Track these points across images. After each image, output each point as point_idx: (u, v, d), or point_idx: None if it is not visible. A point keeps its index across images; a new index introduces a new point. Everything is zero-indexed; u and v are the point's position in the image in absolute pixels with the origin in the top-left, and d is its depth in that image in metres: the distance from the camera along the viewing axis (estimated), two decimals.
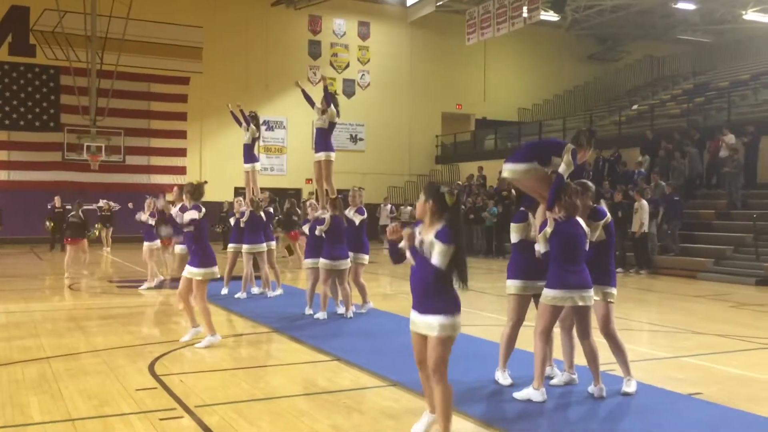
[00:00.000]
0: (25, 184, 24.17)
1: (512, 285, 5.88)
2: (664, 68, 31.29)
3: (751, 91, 22.01)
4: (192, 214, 7.72)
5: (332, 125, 10.16)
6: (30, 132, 24.60)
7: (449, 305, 4.33)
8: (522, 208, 6.01)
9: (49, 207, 20.48)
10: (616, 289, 5.85)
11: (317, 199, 10.39)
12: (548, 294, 5.46)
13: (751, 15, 26.03)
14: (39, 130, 24.70)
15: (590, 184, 5.89)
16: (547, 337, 5.55)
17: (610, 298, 5.76)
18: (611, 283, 5.78)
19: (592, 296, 5.53)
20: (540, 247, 5.52)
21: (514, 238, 5.93)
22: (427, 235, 4.35)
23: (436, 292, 4.33)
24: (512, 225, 5.93)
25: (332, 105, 10.04)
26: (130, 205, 18.95)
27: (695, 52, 31.45)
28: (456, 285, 4.38)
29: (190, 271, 7.75)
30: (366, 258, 9.86)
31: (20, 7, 24.43)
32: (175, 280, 11.10)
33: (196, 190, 7.91)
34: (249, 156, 12.29)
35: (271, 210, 12.62)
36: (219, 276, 8.39)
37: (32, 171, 24.45)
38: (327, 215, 9.41)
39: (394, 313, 9.81)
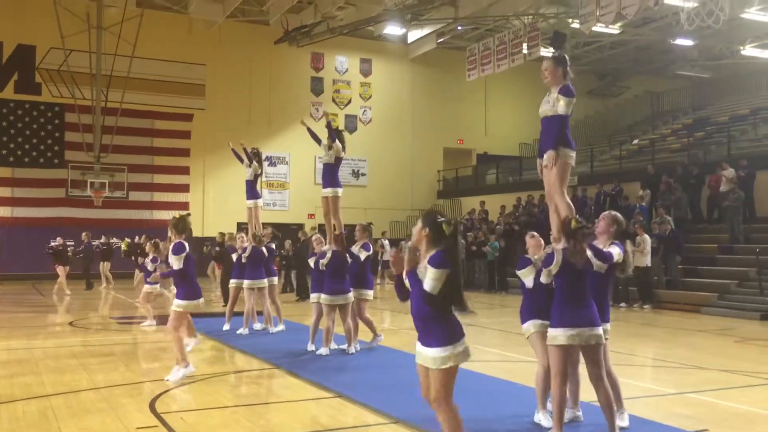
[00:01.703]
0: (29, 220, 24.24)
1: (531, 325, 5.75)
2: (664, 103, 31.53)
3: (751, 125, 22.15)
4: (174, 262, 7.76)
5: (338, 160, 10.21)
6: (34, 168, 24.77)
7: (446, 335, 4.23)
8: (526, 256, 5.88)
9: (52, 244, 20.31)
10: (609, 324, 5.65)
11: (323, 234, 10.41)
12: (553, 334, 5.21)
13: (749, 50, 26.30)
14: (43, 167, 24.87)
15: (620, 217, 5.72)
16: (562, 381, 5.21)
17: (605, 334, 5.51)
18: (606, 318, 5.56)
19: (602, 335, 5.25)
20: (544, 279, 5.41)
21: (527, 283, 5.78)
22: (422, 263, 4.32)
23: (434, 321, 4.24)
24: (519, 272, 5.80)
25: (337, 140, 10.11)
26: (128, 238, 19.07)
27: (694, 87, 31.72)
28: (455, 311, 4.29)
29: (174, 303, 7.84)
30: (370, 293, 9.84)
31: (27, 46, 24.76)
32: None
33: (179, 224, 7.94)
34: (251, 192, 12.34)
35: (273, 246, 12.64)
36: (202, 310, 8.33)
37: (36, 207, 24.54)
38: (329, 250, 9.44)
39: (397, 349, 9.76)
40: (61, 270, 18.94)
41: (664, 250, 16.42)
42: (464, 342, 4.29)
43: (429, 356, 4.25)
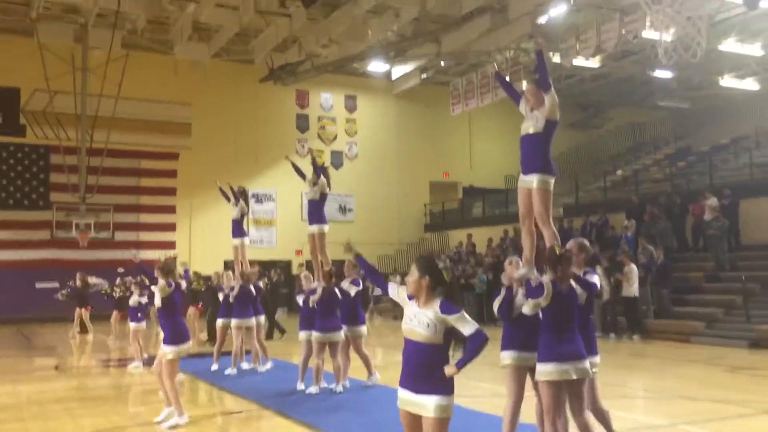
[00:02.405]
0: (13, 263, 23.99)
1: (508, 356, 5.59)
2: (646, 134, 31.92)
3: (732, 154, 22.44)
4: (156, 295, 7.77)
5: (324, 196, 10.22)
6: (19, 211, 24.61)
7: (449, 384, 4.12)
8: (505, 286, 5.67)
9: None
10: (598, 357, 5.57)
11: (311, 271, 10.38)
12: (546, 369, 5.04)
13: (727, 81, 26.75)
14: (28, 209, 24.71)
15: (587, 244, 5.66)
16: (556, 415, 5.03)
17: (594, 368, 5.41)
18: (594, 351, 5.45)
19: (588, 368, 5.14)
20: (528, 310, 5.21)
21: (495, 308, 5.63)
22: (428, 308, 4.16)
23: (437, 369, 4.11)
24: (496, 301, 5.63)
25: (322, 176, 10.13)
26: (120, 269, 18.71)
27: (675, 117, 32.14)
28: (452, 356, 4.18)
29: (162, 348, 7.71)
30: (364, 329, 9.73)
31: (11, 89, 24.76)
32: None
33: (165, 267, 7.94)
34: (238, 231, 12.32)
35: (261, 284, 12.59)
36: (190, 353, 8.16)
37: (20, 250, 24.31)
38: (319, 287, 9.41)
39: (390, 386, 9.66)
40: (84, 312, 18.21)
41: (652, 281, 16.46)
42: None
43: (427, 404, 4.10)
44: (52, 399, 9.46)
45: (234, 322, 11.54)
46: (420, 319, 4.17)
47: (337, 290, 9.44)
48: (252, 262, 12.89)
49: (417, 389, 4.16)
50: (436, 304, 4.15)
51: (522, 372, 5.58)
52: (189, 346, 7.83)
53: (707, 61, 22.89)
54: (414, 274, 4.22)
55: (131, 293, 12.60)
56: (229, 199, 12.55)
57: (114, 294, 18.08)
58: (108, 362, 13.51)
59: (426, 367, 4.14)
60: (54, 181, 24.88)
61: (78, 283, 18.84)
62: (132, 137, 25.58)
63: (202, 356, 12.80)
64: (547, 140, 5.57)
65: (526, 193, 5.61)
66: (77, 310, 18.40)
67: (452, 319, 4.11)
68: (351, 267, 9.74)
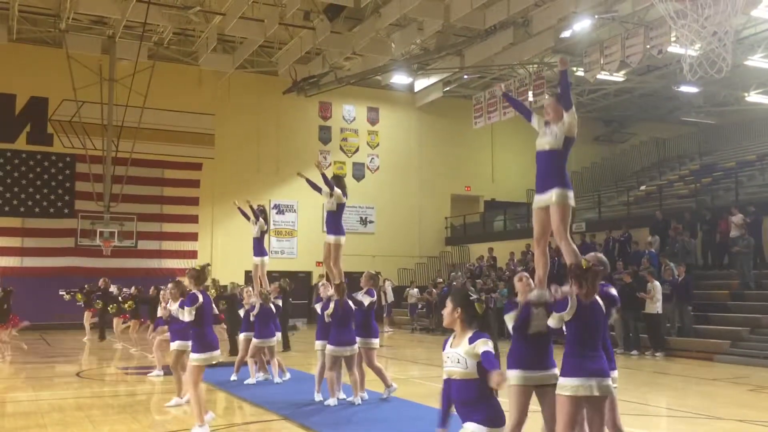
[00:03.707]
0: (38, 270, 24.30)
1: (513, 376, 5.43)
2: (670, 149, 31.64)
3: (758, 171, 22.16)
4: (185, 314, 7.66)
5: (341, 207, 10.19)
6: (44, 219, 24.95)
7: (492, 416, 4.16)
8: (515, 299, 5.66)
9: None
10: (617, 372, 5.46)
11: (328, 280, 10.36)
12: (565, 383, 4.83)
13: (753, 97, 26.49)
14: (53, 217, 25.04)
15: (605, 259, 5.45)
16: None
17: (613, 383, 5.22)
18: (612, 365, 5.28)
19: (611, 386, 4.95)
20: (553, 323, 5.01)
21: (510, 326, 5.59)
22: (459, 344, 4.25)
23: (480, 402, 4.18)
24: (506, 316, 5.62)
25: (336, 187, 10.12)
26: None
27: (700, 133, 31.86)
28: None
29: (191, 357, 7.69)
30: (376, 342, 9.70)
31: (40, 98, 25.17)
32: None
33: (200, 276, 7.85)
34: (258, 249, 12.25)
35: (280, 303, 12.51)
36: (218, 362, 8.07)
37: (45, 257, 24.64)
38: (332, 301, 9.36)
39: (408, 399, 9.63)
40: (132, 323, 18.03)
41: (676, 298, 16.23)
42: (504, 430, 4.22)
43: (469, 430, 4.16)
44: (73, 406, 9.53)
45: (256, 341, 11.51)
46: (453, 358, 4.26)
47: (350, 302, 9.39)
48: (276, 273, 12.88)
49: (463, 419, 4.23)
50: (467, 336, 4.24)
51: (527, 391, 5.44)
52: (217, 355, 7.74)
53: (733, 77, 22.72)
54: (448, 306, 4.31)
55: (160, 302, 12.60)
56: (248, 218, 12.51)
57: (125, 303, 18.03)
58: (130, 371, 13.59)
59: (470, 403, 4.20)
60: (79, 190, 25.20)
61: (101, 284, 19.20)
62: (156, 147, 25.89)
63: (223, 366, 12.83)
64: (565, 157, 5.49)
65: (543, 212, 5.51)
66: (115, 320, 18.60)
67: (478, 344, 4.17)
68: (368, 278, 9.69)
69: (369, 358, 9.58)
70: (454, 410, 4.35)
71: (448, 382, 4.34)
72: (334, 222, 10.17)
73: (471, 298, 4.25)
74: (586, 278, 4.92)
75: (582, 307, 4.91)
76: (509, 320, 5.60)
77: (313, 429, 7.74)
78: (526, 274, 5.83)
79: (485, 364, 4.14)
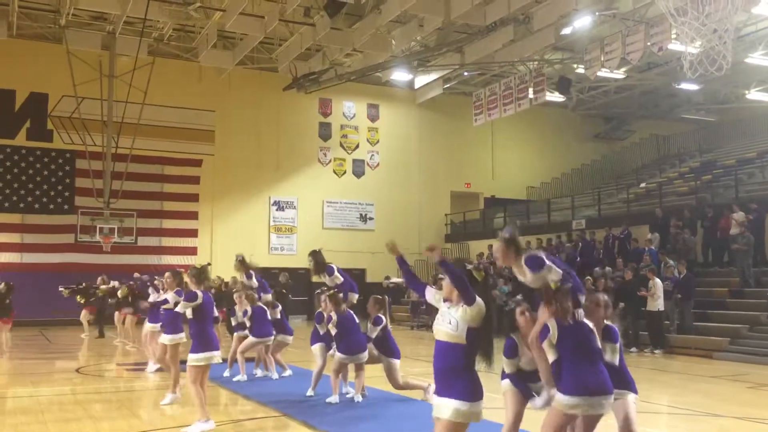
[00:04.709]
0: (37, 266, 24.29)
1: (507, 384, 5.47)
2: (670, 146, 31.63)
3: (758, 168, 22.16)
4: (181, 307, 7.69)
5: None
6: (44, 215, 24.94)
7: (470, 390, 4.09)
8: (512, 336, 5.47)
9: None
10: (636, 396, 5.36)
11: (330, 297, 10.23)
12: (563, 401, 4.75)
13: (754, 94, 26.49)
14: (53, 213, 25.03)
15: (604, 298, 5.36)
16: None
17: (635, 402, 5.22)
18: (633, 388, 5.29)
19: (611, 404, 4.88)
20: (551, 356, 4.92)
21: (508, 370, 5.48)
22: (452, 310, 4.19)
23: (459, 374, 4.11)
24: (504, 359, 5.47)
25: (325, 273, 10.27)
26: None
27: (700, 130, 31.82)
28: (479, 366, 4.17)
29: (189, 357, 7.62)
30: (397, 362, 9.19)
31: (39, 94, 25.15)
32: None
33: (200, 275, 7.79)
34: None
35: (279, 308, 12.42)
36: (220, 361, 8.01)
37: (45, 253, 24.62)
38: (333, 316, 9.19)
39: (410, 397, 9.60)
40: (128, 317, 17.83)
41: (676, 295, 16.22)
42: (481, 403, 4.16)
43: (444, 406, 4.11)
44: (72, 401, 9.54)
45: (253, 340, 11.39)
46: (446, 317, 4.21)
47: (352, 314, 9.30)
48: (271, 271, 12.81)
49: (439, 392, 4.16)
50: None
51: (521, 394, 5.45)
52: (217, 355, 7.67)
53: (734, 74, 22.68)
54: (447, 278, 4.26)
55: (149, 293, 12.56)
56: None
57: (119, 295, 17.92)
58: (130, 367, 13.60)
59: (448, 370, 4.14)
60: (79, 186, 25.18)
61: (99, 282, 19.08)
62: (156, 143, 25.88)
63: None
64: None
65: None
66: (116, 314, 18.53)
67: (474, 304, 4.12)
68: (374, 303, 9.26)
69: (393, 378, 9.08)
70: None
71: (436, 344, 4.24)
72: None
73: (468, 267, 4.22)
74: (555, 298, 4.87)
75: (563, 328, 4.83)
76: (508, 367, 5.50)
77: (315, 427, 7.73)
78: (528, 306, 5.48)
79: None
